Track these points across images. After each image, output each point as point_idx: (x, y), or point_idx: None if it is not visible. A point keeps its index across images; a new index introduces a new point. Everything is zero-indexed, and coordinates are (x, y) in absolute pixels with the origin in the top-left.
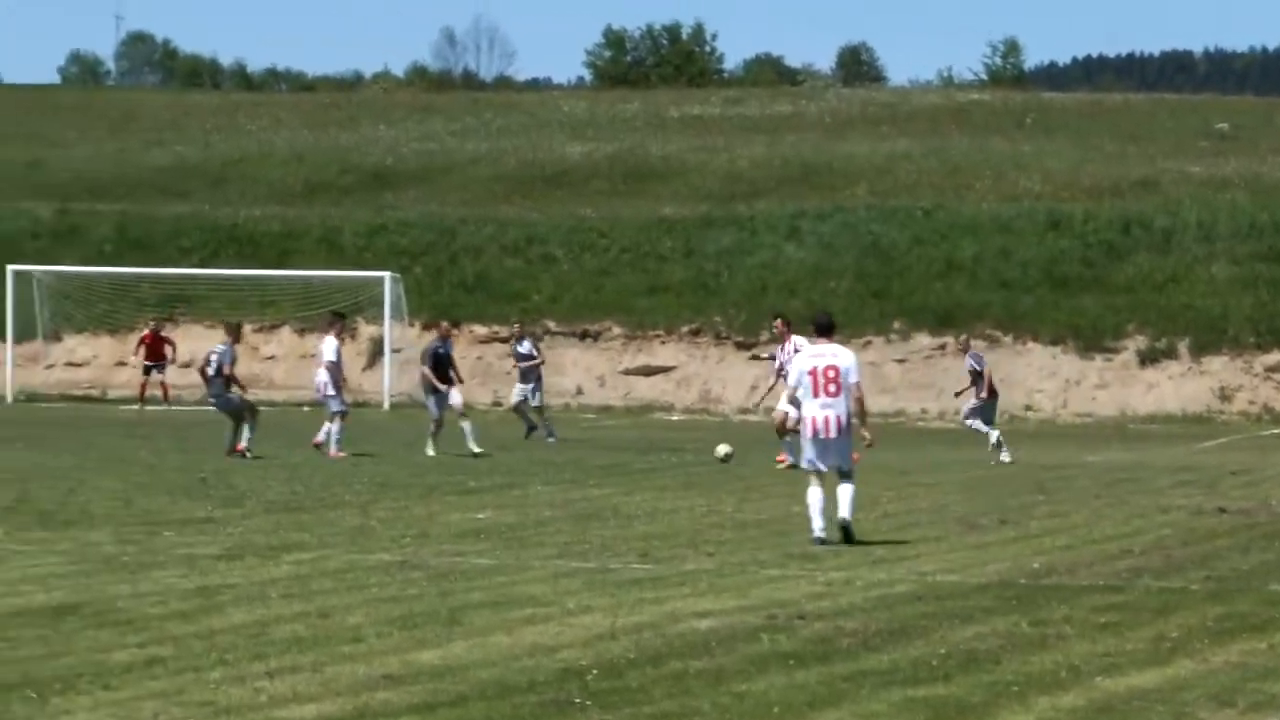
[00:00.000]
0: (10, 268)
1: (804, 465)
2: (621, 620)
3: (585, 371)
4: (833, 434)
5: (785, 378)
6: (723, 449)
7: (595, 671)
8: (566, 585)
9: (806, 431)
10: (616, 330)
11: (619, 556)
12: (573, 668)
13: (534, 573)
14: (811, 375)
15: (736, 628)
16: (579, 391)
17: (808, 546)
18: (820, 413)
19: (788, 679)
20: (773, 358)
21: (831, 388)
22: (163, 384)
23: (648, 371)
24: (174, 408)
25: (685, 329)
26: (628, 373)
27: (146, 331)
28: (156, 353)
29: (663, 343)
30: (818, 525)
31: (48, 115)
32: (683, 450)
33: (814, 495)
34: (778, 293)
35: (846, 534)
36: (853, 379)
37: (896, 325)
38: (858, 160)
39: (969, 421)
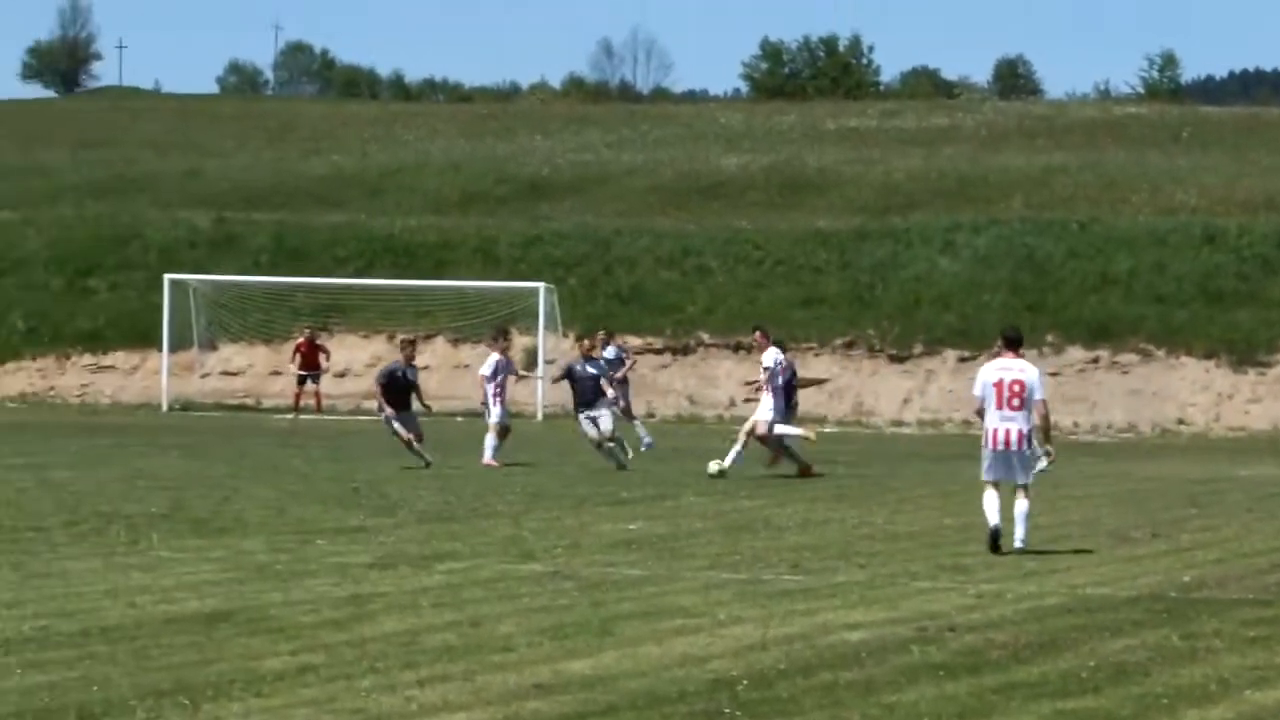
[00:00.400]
0: (167, 277)
1: (983, 476)
2: (772, 631)
3: (738, 383)
4: (1013, 446)
5: (770, 387)
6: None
7: (745, 682)
8: (717, 596)
9: (987, 443)
10: None
11: (770, 568)
12: (723, 678)
13: (685, 583)
14: (996, 387)
15: (887, 639)
16: (732, 403)
17: (959, 559)
18: (1001, 425)
19: (938, 690)
20: (768, 370)
21: (1015, 401)
22: (316, 393)
23: (801, 384)
24: (326, 417)
25: (839, 341)
26: None
27: (301, 340)
28: (311, 362)
29: (816, 355)
30: (994, 518)
31: (206, 125)
32: (834, 462)
33: (990, 495)
34: (931, 305)
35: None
36: (1038, 395)
37: (1050, 339)
38: (1013, 173)
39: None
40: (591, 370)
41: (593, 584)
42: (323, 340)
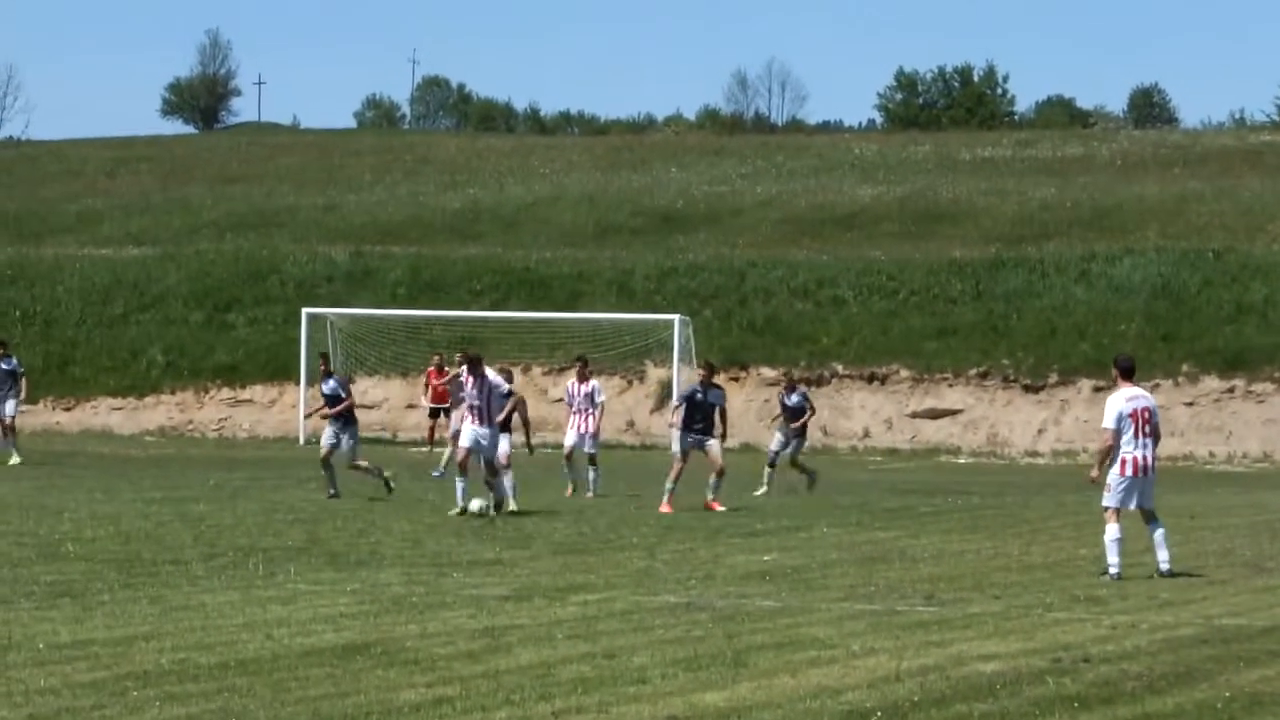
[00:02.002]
0: (305, 311)
1: (1108, 504)
2: (906, 663)
3: (872, 414)
4: (1149, 473)
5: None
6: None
7: (879, 714)
8: (851, 627)
9: (1125, 470)
10: (904, 373)
11: (905, 599)
12: (857, 709)
13: (819, 615)
14: (1133, 417)
15: (1021, 670)
16: (866, 434)
17: (1094, 589)
18: (1140, 452)
19: None
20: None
21: (1148, 429)
22: (446, 428)
23: (935, 414)
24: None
25: (973, 371)
26: (915, 415)
27: (430, 370)
28: (440, 393)
29: (950, 385)
30: (1115, 563)
31: (344, 160)
32: (969, 493)
33: (1113, 531)
34: (1066, 335)
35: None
36: (1159, 421)
37: (1185, 368)
38: (1148, 202)
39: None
40: (711, 400)
41: (727, 615)
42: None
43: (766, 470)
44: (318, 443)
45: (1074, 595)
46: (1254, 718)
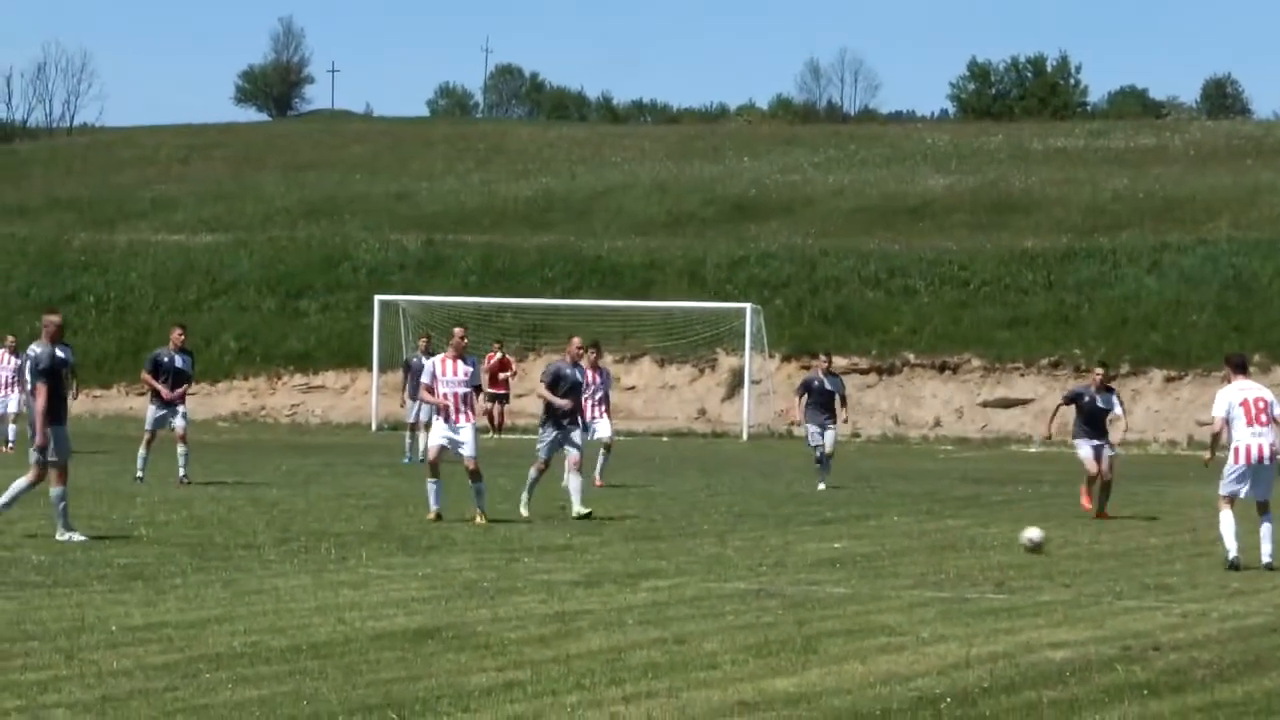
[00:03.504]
0: (377, 298)
1: (1221, 492)
2: (976, 650)
3: (944, 404)
4: (1265, 460)
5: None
6: (1032, 535)
7: (949, 700)
8: (921, 615)
9: (1238, 459)
10: (975, 362)
11: (975, 586)
12: (927, 696)
13: (889, 602)
14: (1244, 406)
15: (1091, 658)
16: (937, 423)
17: (1163, 578)
18: (1254, 440)
19: (1141, 709)
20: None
21: (1263, 417)
22: (501, 413)
23: (1006, 404)
24: (506, 437)
25: (1044, 361)
26: (986, 405)
27: (490, 355)
28: (497, 381)
29: (1021, 375)
30: (1233, 547)
31: (417, 148)
32: (1040, 482)
33: (1227, 518)
34: (1138, 325)
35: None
36: (1277, 411)
37: (1257, 358)
38: (1221, 192)
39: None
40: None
41: (797, 602)
42: (511, 358)
43: (817, 466)
44: (391, 429)
45: (1144, 583)
46: None
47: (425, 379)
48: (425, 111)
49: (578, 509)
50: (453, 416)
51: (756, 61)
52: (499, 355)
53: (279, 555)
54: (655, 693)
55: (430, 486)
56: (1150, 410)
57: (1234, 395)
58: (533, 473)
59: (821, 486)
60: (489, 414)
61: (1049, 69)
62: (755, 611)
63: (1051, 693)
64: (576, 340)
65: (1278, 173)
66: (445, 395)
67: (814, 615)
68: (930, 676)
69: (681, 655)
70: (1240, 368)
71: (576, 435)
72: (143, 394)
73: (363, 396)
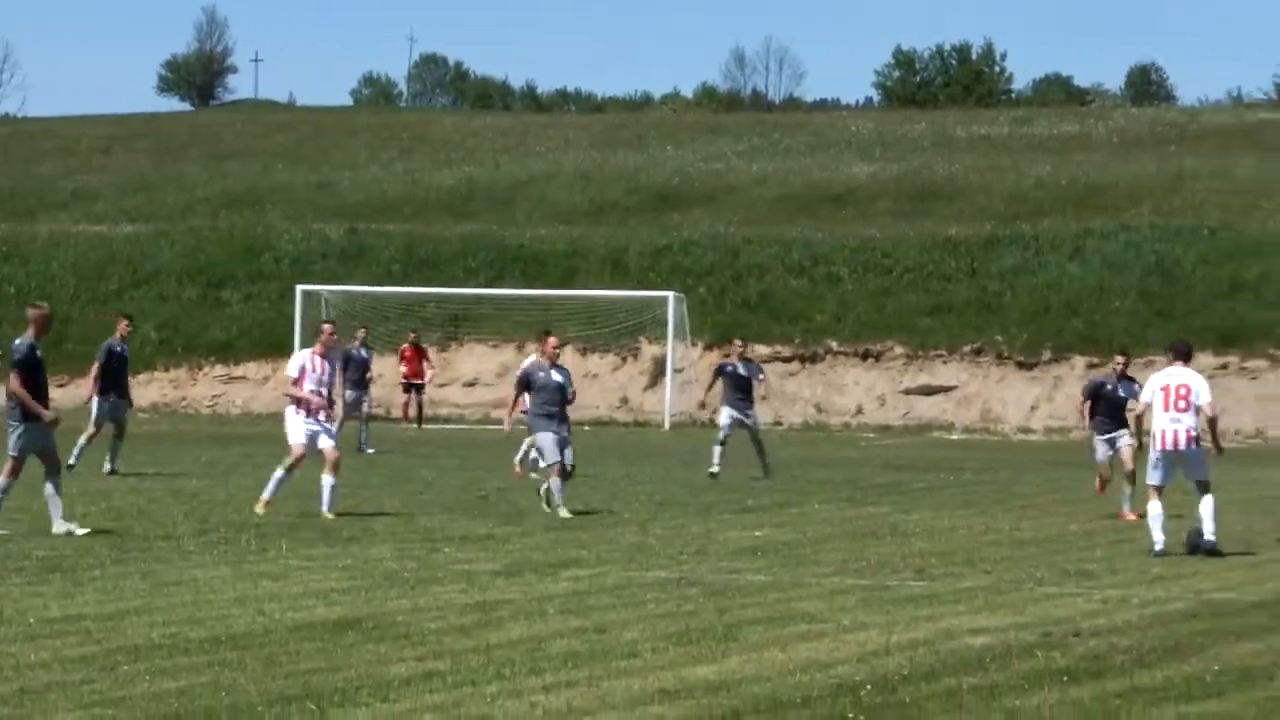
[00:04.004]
0: (299, 288)
1: (1149, 480)
2: (896, 637)
3: (866, 391)
4: (1180, 446)
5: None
6: None
7: (869, 687)
8: (842, 602)
9: (1155, 445)
10: (898, 350)
11: (895, 574)
12: (846, 683)
13: (810, 589)
14: (1164, 391)
15: (1011, 644)
16: (859, 410)
17: (1084, 564)
18: (1170, 426)
19: (1061, 695)
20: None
21: (1181, 403)
22: (419, 404)
23: (928, 391)
24: (427, 427)
25: (967, 348)
26: (908, 392)
27: (405, 346)
28: (415, 370)
29: (944, 362)
30: (1159, 539)
31: (340, 137)
32: (961, 469)
33: (1154, 509)
34: (1060, 312)
35: (1212, 552)
36: (1204, 399)
37: (1174, 341)
38: (1144, 179)
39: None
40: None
41: (718, 590)
42: (427, 347)
43: (719, 448)
44: None
45: (1064, 570)
46: (1242, 692)
47: (293, 372)
48: (349, 101)
49: (563, 512)
50: (313, 412)
51: (681, 50)
52: (414, 344)
53: (198, 546)
54: (575, 682)
55: (279, 475)
56: (1072, 397)
57: (1158, 381)
58: (554, 480)
59: (715, 469)
60: (405, 405)
61: (974, 57)
62: (676, 600)
63: (972, 679)
64: (553, 340)
65: (1201, 159)
66: (311, 391)
67: (735, 603)
68: (850, 664)
69: (602, 644)
70: (1180, 355)
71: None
72: (62, 385)
73: (284, 387)
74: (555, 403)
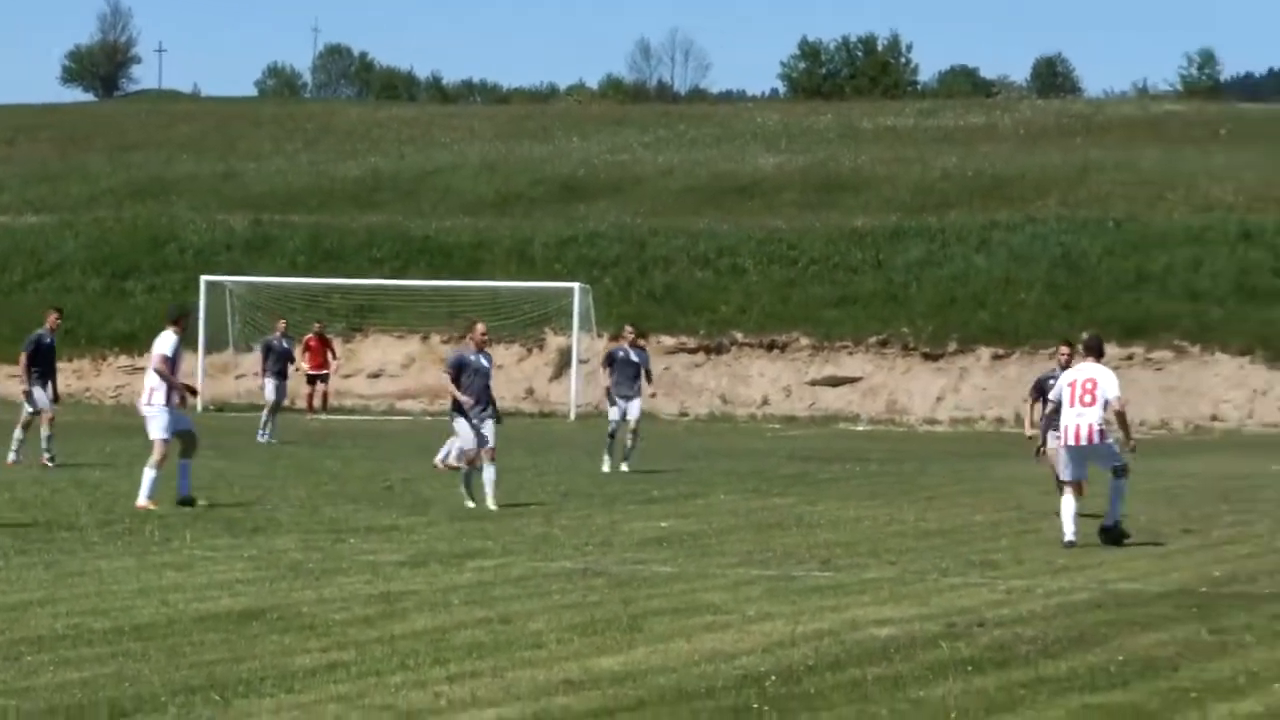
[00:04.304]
0: (204, 279)
1: (1061, 476)
2: (801, 627)
3: (771, 382)
4: (1082, 441)
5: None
6: None
7: (774, 678)
8: (747, 593)
9: (1064, 440)
10: (804, 341)
11: (801, 564)
12: (752, 674)
13: (715, 580)
14: (1071, 387)
15: (916, 635)
16: (765, 402)
17: (989, 554)
18: (1075, 421)
19: (965, 685)
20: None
21: (1087, 398)
22: (324, 394)
23: (834, 382)
24: (333, 418)
25: (873, 340)
26: (814, 383)
27: (310, 337)
28: (318, 360)
29: (850, 353)
30: (1069, 531)
31: (244, 128)
32: (867, 460)
33: (1066, 503)
34: (966, 304)
35: (1114, 537)
36: (1110, 393)
37: (1085, 336)
38: (1050, 171)
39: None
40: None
41: (623, 581)
42: (332, 338)
43: (609, 442)
44: (217, 410)
45: (969, 561)
46: (1147, 682)
47: (168, 351)
48: (253, 92)
49: (491, 503)
50: (176, 400)
51: (587, 41)
52: (319, 335)
53: (102, 537)
54: (480, 672)
55: (151, 475)
56: (978, 388)
57: (1067, 377)
58: (464, 468)
59: (606, 469)
60: (309, 395)
61: (880, 48)
62: (581, 590)
63: (876, 670)
64: (481, 326)
65: (1107, 151)
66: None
67: (640, 594)
68: (755, 654)
69: (507, 635)
70: (1091, 350)
71: (488, 427)
72: None
73: (189, 378)
74: (485, 388)
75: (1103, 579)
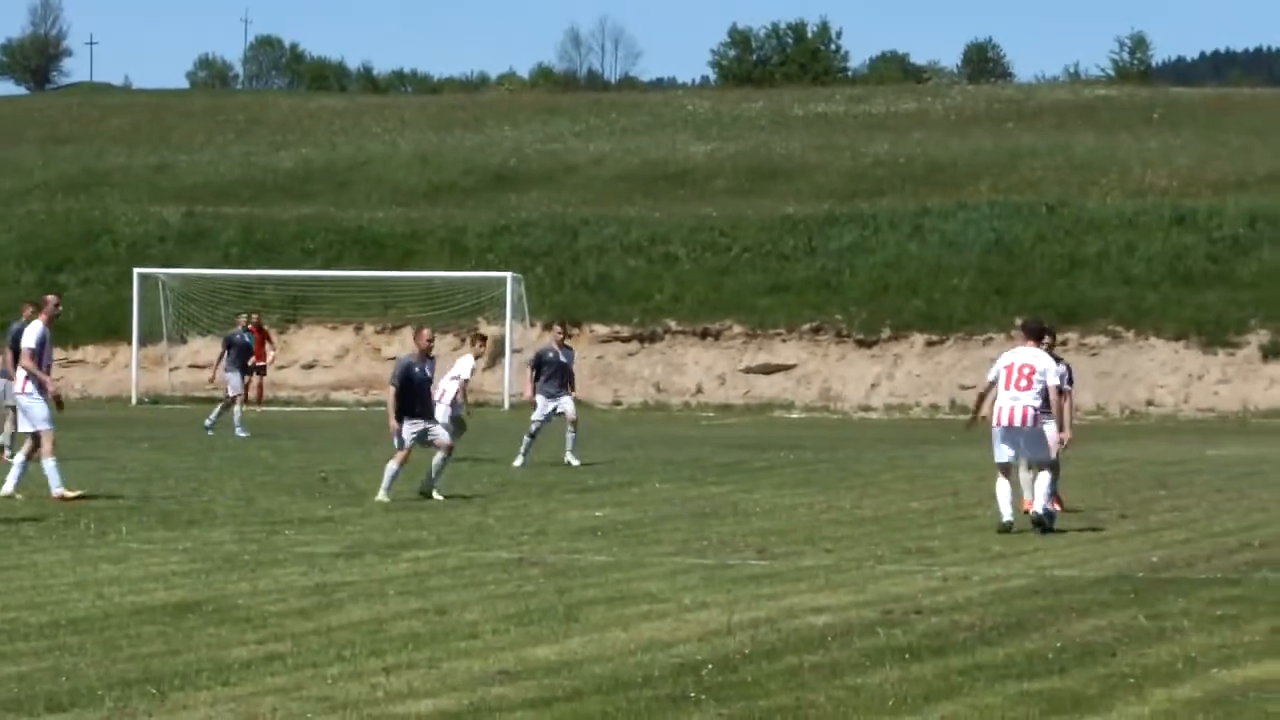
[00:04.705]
0: (137, 271)
1: (996, 459)
2: (738, 616)
3: (706, 370)
4: (1015, 423)
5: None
6: None
7: (710, 666)
8: (684, 581)
9: (995, 422)
10: (737, 329)
11: (737, 553)
12: (688, 663)
13: (651, 569)
14: (1007, 369)
15: (852, 622)
16: (699, 390)
17: (925, 542)
18: (1009, 403)
19: (903, 673)
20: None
21: (1023, 382)
22: (259, 385)
23: (768, 370)
24: (270, 409)
25: (806, 327)
26: (748, 371)
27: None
28: (255, 351)
29: (784, 341)
30: (1005, 512)
31: (176, 120)
32: (802, 448)
33: (1001, 486)
34: (899, 290)
35: (1045, 526)
36: (1049, 378)
37: (1018, 322)
38: (982, 157)
39: None
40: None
41: (559, 570)
42: (269, 328)
43: (528, 440)
44: (151, 403)
45: (905, 548)
46: (1085, 668)
47: (33, 344)
48: (185, 84)
49: (438, 494)
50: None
51: (517, 30)
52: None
53: (37, 531)
54: (416, 663)
55: (51, 464)
56: (912, 375)
57: (1004, 359)
58: (392, 465)
59: (518, 464)
60: (245, 387)
61: (809, 35)
62: (517, 580)
63: (813, 657)
64: (426, 332)
65: (1039, 136)
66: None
67: (576, 583)
68: (692, 643)
69: (443, 625)
70: (1031, 333)
71: (437, 431)
72: None
73: (123, 370)
74: (427, 394)
75: (1039, 565)
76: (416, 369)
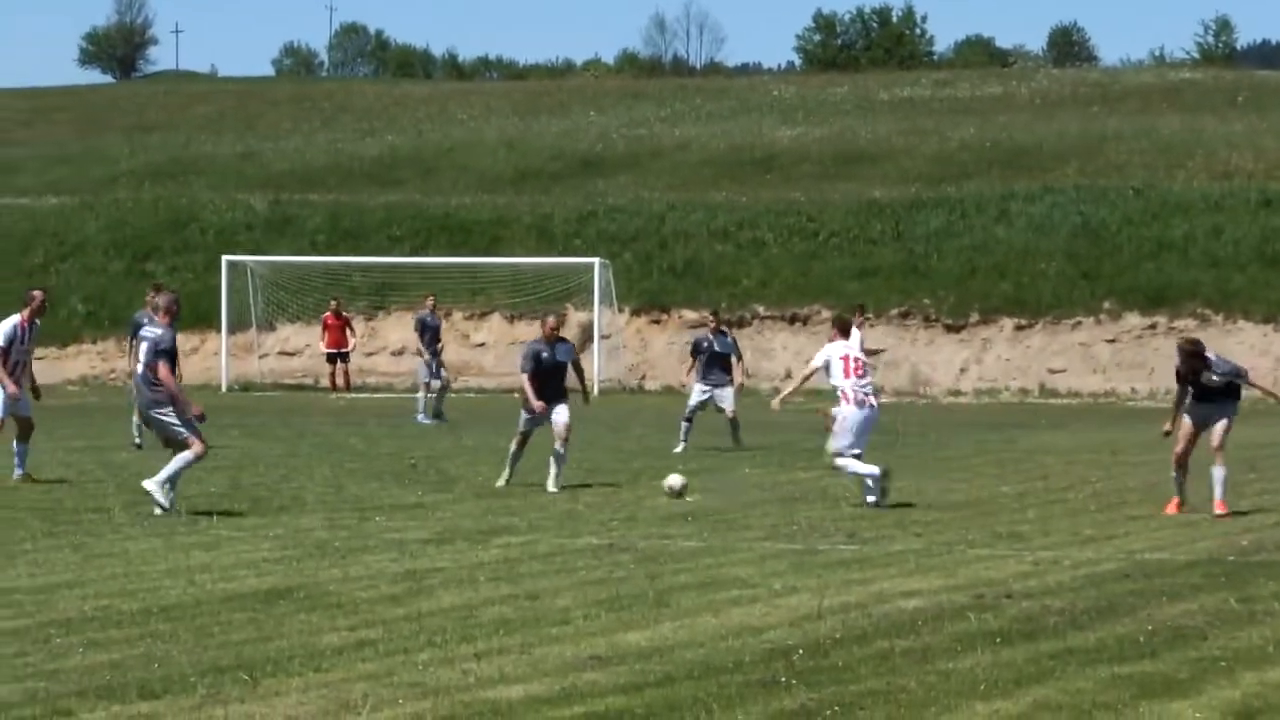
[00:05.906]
0: (225, 259)
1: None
2: (828, 600)
3: (794, 355)
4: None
5: None
6: (673, 482)
7: (801, 651)
8: (773, 567)
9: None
10: (825, 314)
11: (826, 538)
12: (779, 648)
13: (741, 554)
14: (844, 360)
15: (943, 607)
16: (787, 375)
17: (1015, 526)
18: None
19: (994, 657)
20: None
21: (860, 371)
22: (345, 373)
23: None
24: (358, 396)
25: (894, 312)
26: None
27: (327, 314)
28: (337, 339)
29: (872, 325)
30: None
31: (262, 108)
32: (891, 433)
33: (855, 465)
34: (987, 274)
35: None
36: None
37: (1106, 305)
38: (1068, 140)
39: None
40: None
41: (649, 556)
42: (351, 315)
43: (684, 425)
44: (240, 390)
45: (996, 532)
46: (1175, 651)
47: (1, 342)
48: (270, 71)
49: (553, 485)
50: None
51: (602, 16)
52: (336, 313)
53: (129, 519)
54: (507, 649)
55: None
56: (1001, 359)
57: (836, 351)
58: (512, 446)
59: (678, 450)
60: (331, 374)
61: (894, 19)
62: (607, 566)
63: (904, 642)
64: (551, 320)
65: (1124, 119)
66: (17, 362)
67: (666, 569)
68: (782, 628)
69: (533, 611)
70: (843, 330)
71: (561, 412)
72: None
73: (212, 358)
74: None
75: (1130, 549)
76: (545, 354)
